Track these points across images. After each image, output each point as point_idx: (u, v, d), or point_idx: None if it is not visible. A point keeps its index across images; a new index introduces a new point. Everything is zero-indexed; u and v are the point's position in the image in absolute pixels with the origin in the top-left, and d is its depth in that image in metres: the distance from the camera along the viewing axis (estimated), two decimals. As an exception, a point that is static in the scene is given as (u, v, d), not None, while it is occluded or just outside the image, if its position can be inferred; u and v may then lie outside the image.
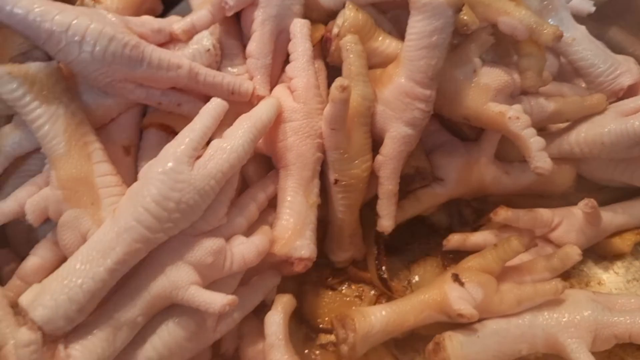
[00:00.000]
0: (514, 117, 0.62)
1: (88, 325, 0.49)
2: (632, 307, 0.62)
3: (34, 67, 0.52)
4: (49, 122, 0.52)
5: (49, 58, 0.55)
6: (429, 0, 0.57)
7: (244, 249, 0.55)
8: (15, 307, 0.54)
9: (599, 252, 0.73)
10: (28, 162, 0.58)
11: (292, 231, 0.59)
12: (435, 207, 0.72)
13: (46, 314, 0.46)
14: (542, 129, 0.74)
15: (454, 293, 0.61)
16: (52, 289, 0.47)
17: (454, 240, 0.70)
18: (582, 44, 0.72)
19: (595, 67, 0.72)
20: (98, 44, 0.52)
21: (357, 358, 0.61)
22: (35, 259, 0.55)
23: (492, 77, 0.65)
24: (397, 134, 0.62)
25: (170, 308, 0.53)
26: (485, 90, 0.64)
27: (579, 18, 0.77)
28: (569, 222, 0.69)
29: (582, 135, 0.69)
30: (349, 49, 0.62)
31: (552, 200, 0.74)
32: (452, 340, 0.60)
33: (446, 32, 0.58)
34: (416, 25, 0.59)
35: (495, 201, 0.72)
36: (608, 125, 0.67)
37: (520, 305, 0.61)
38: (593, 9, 0.78)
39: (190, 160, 0.52)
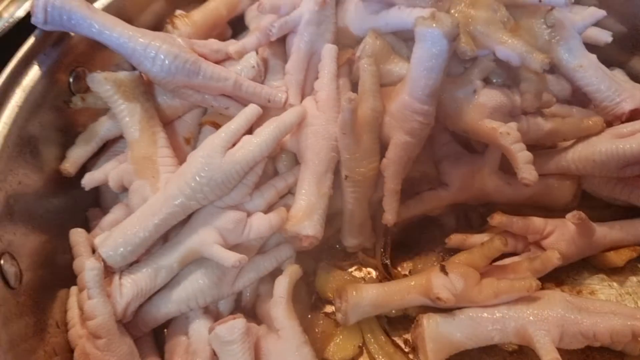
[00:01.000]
0: (505, 133, 0.68)
1: (138, 265, 0.64)
2: (604, 310, 0.64)
3: (121, 74, 0.69)
4: (128, 114, 0.69)
5: (134, 69, 0.71)
6: (428, 31, 0.66)
7: (260, 222, 0.67)
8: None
9: (596, 264, 0.75)
10: (116, 144, 0.75)
11: (303, 213, 0.69)
12: (440, 208, 0.79)
13: (108, 250, 0.62)
14: (551, 146, 0.79)
15: (438, 280, 0.68)
16: (116, 234, 0.63)
17: (455, 239, 0.77)
18: (589, 71, 0.75)
19: (601, 92, 0.74)
20: (166, 59, 0.67)
21: (349, 324, 0.70)
22: (112, 215, 0.71)
23: (489, 97, 0.71)
24: (398, 141, 0.71)
25: (200, 261, 0.66)
26: (481, 108, 0.71)
27: (597, 47, 0.80)
28: (561, 232, 0.72)
29: (577, 154, 0.72)
30: (364, 70, 0.72)
31: (558, 213, 0.77)
32: (430, 320, 0.67)
33: (442, 58, 0.66)
34: (417, 51, 0.67)
35: (503, 209, 0.77)
36: (600, 146, 0.70)
37: (497, 298, 0.66)
38: (610, 39, 0.80)
39: (223, 149, 0.65)
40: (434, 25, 0.65)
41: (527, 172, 0.67)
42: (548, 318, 0.63)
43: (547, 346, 0.62)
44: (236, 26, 0.87)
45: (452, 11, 0.72)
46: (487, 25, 0.69)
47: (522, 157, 0.67)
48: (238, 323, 0.61)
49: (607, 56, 0.83)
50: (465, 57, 0.69)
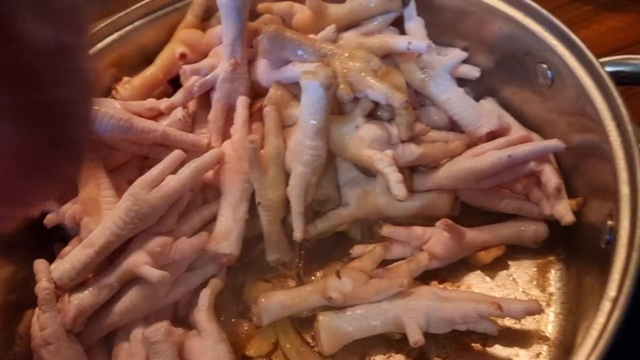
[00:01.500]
0: (379, 159, 0.81)
1: (84, 285, 0.77)
2: (463, 299, 0.75)
3: (70, 134, 0.84)
4: (77, 165, 0.83)
5: (81, 128, 0.86)
6: (309, 83, 0.79)
7: (183, 245, 0.79)
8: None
9: (472, 263, 0.86)
10: (73, 190, 0.89)
11: (222, 236, 0.82)
12: (346, 224, 0.91)
13: (58, 274, 0.75)
14: (435, 167, 0.91)
15: (332, 283, 0.79)
16: (65, 261, 0.76)
17: (358, 249, 0.88)
18: (455, 102, 0.88)
19: (464, 119, 0.87)
20: (103, 119, 0.81)
21: (263, 325, 0.81)
22: (69, 247, 0.84)
23: (367, 131, 0.84)
24: (297, 171, 0.83)
25: (136, 279, 0.79)
26: (361, 140, 0.83)
27: (470, 80, 0.94)
28: (437, 238, 0.83)
29: (445, 172, 0.84)
30: (267, 115, 0.86)
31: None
32: (325, 316, 0.78)
33: (322, 103, 0.79)
34: (303, 98, 0.81)
35: (399, 223, 0.89)
36: (460, 164, 0.82)
37: (379, 295, 0.77)
38: (478, 74, 0.93)
39: (149, 187, 0.78)
40: (313, 77, 0.78)
41: (397, 189, 0.79)
42: (416, 307, 0.74)
43: (414, 330, 0.73)
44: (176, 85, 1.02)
45: (337, 64, 0.85)
46: (360, 73, 0.83)
47: (393, 177, 0.79)
48: (160, 325, 0.73)
49: (483, 88, 0.97)
50: (344, 100, 0.82)
